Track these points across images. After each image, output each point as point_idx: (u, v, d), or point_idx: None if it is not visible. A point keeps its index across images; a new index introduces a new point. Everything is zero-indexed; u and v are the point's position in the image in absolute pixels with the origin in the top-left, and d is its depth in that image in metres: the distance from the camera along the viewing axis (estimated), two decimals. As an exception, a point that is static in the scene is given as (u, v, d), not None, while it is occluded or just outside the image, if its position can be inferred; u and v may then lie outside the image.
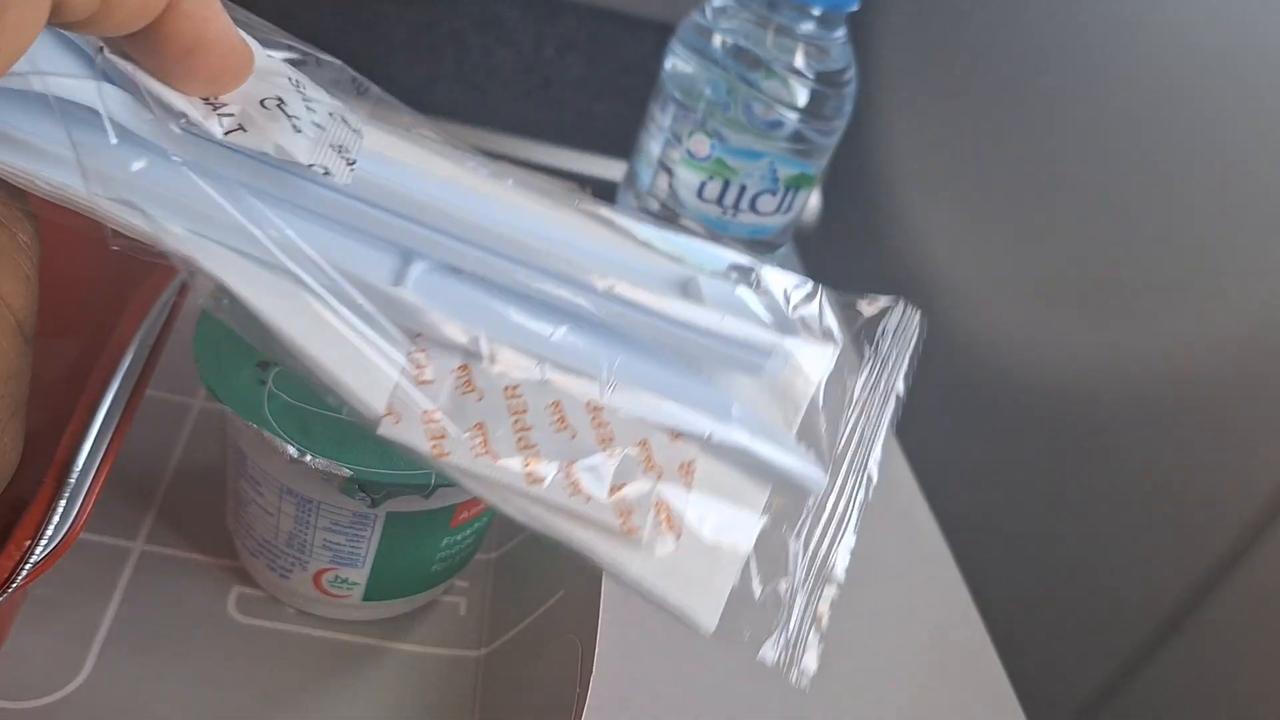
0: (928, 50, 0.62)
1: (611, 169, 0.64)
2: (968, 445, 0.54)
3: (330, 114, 0.19)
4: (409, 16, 0.59)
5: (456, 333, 0.18)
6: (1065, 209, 0.50)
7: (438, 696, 0.28)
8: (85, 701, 0.26)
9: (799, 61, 0.36)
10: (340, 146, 0.18)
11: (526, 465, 0.17)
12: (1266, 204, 0.40)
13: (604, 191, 0.41)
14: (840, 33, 0.36)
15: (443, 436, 0.17)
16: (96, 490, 0.21)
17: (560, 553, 0.17)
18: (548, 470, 0.17)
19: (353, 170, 0.18)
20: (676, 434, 0.18)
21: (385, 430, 0.17)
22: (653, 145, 0.39)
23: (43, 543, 0.21)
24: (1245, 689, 0.40)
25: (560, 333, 0.18)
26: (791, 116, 0.36)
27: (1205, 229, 0.43)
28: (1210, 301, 0.42)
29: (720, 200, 0.38)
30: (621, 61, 0.62)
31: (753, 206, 0.38)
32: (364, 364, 0.17)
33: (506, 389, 0.17)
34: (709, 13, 0.37)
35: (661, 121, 0.38)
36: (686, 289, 0.20)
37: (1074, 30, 0.52)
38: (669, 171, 0.38)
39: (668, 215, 0.39)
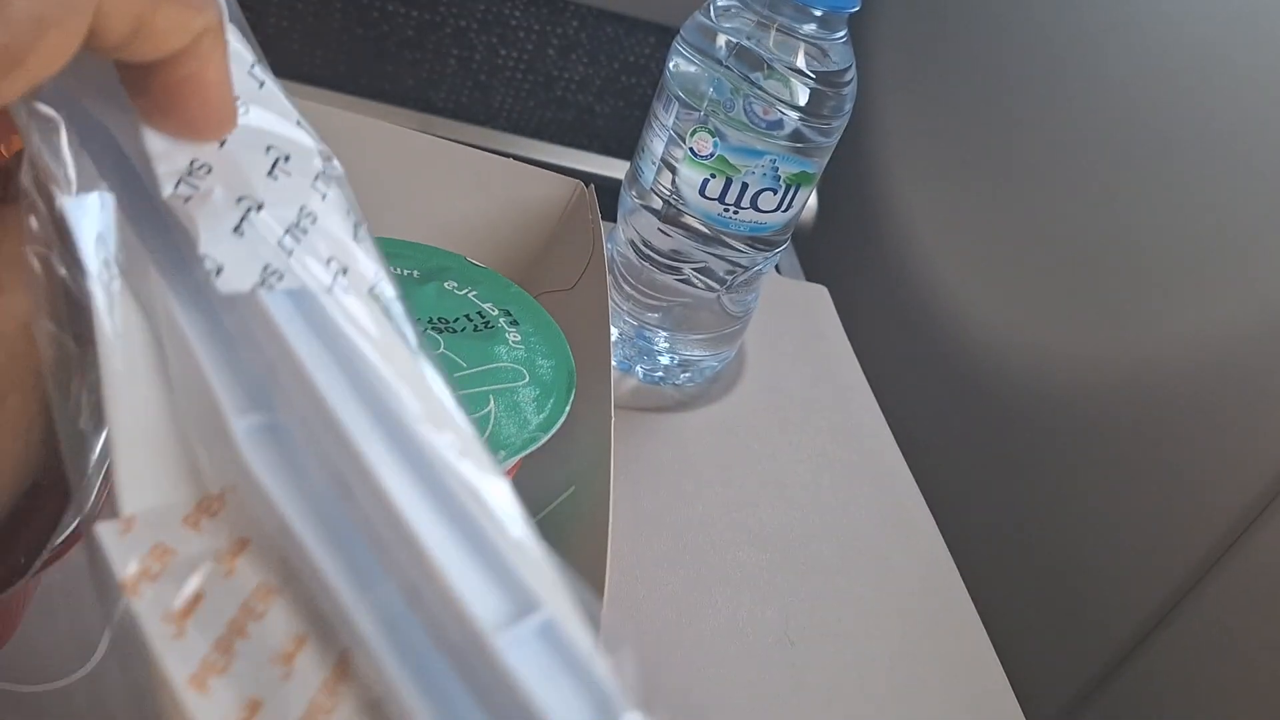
0: (923, 51, 0.63)
1: (612, 167, 0.65)
2: (963, 440, 0.55)
3: (316, 259, 0.17)
4: (414, 15, 0.60)
5: (261, 511, 0.15)
6: (1060, 207, 0.51)
7: None
8: (96, 685, 0.26)
9: (800, 62, 0.36)
10: (274, 271, 0.17)
11: (200, 670, 0.14)
12: (1260, 202, 0.41)
13: (606, 189, 0.42)
14: (841, 34, 0.37)
15: (150, 577, 0.14)
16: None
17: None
18: (220, 691, 0.14)
19: (261, 289, 0.16)
20: None
21: (104, 529, 0.14)
22: (656, 143, 0.40)
23: (59, 529, 0.21)
24: (1232, 680, 0.41)
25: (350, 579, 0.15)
26: (792, 116, 0.37)
27: (1199, 228, 0.44)
28: (1202, 299, 0.43)
29: (722, 197, 0.38)
30: (623, 62, 0.63)
31: (754, 204, 0.38)
32: (158, 457, 0.15)
33: (258, 589, 0.15)
34: (712, 13, 0.38)
35: (665, 120, 0.39)
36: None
37: (1068, 32, 0.52)
38: (672, 169, 0.39)
39: (671, 212, 0.40)
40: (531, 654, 0.15)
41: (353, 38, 0.61)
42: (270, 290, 0.17)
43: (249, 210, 0.17)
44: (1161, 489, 0.44)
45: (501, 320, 0.31)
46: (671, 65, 0.39)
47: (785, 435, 0.45)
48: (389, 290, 0.18)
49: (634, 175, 0.42)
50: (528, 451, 0.27)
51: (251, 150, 0.18)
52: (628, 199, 0.42)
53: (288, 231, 0.17)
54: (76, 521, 0.22)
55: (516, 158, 0.43)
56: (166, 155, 0.17)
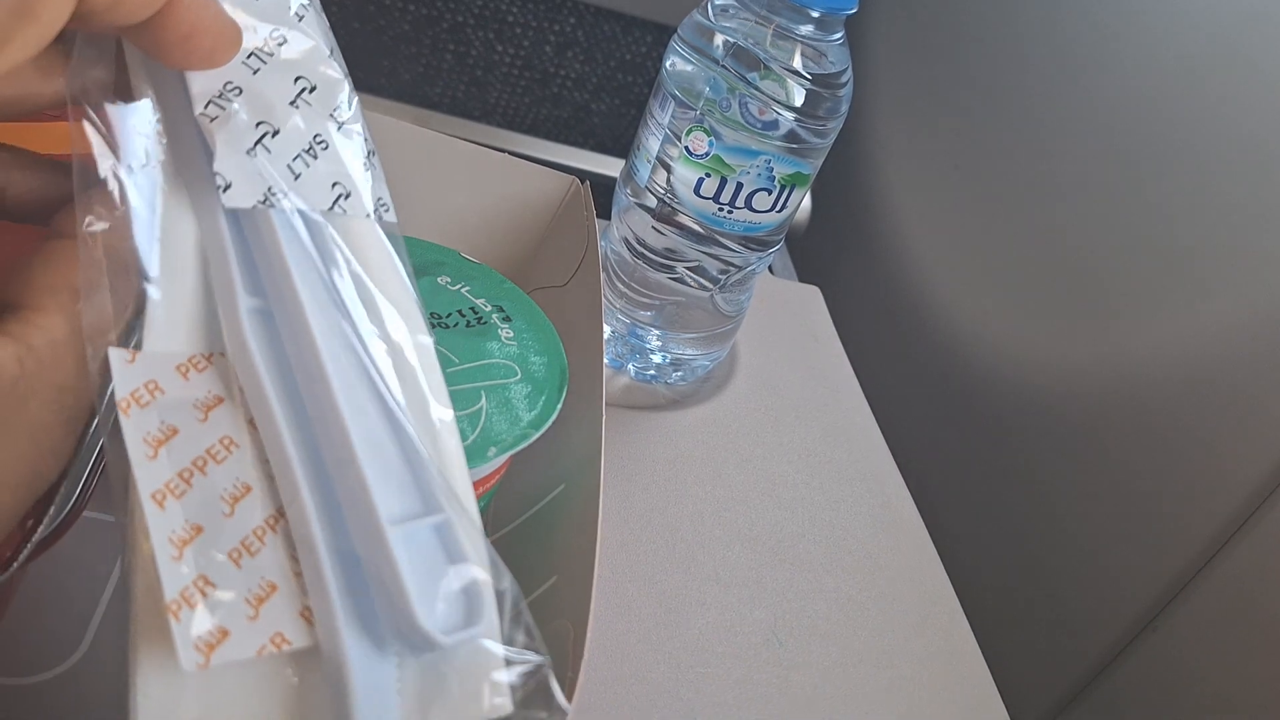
0: (918, 55, 0.63)
1: (608, 165, 0.65)
2: (952, 443, 0.55)
3: (323, 181, 0.20)
4: (412, 9, 0.60)
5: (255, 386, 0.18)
6: (1051, 212, 0.51)
7: None
8: (82, 677, 0.26)
9: (797, 63, 0.36)
10: (276, 191, 0.19)
11: (162, 489, 0.17)
12: (1246, 209, 0.41)
13: (601, 186, 0.42)
14: (838, 35, 0.37)
15: (140, 404, 0.17)
16: (100, 469, 0.21)
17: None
18: (174, 511, 0.17)
19: (262, 206, 0.19)
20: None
21: (115, 354, 0.17)
22: (651, 141, 0.40)
23: (45, 521, 0.21)
24: (1216, 685, 0.41)
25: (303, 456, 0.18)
26: (788, 116, 0.37)
27: (1186, 234, 0.44)
28: (1188, 306, 0.43)
29: (717, 197, 0.38)
30: (619, 60, 0.62)
31: (749, 204, 0.39)
32: (179, 313, 0.18)
33: (223, 439, 0.18)
34: (710, 12, 0.38)
35: (661, 118, 0.39)
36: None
37: (1060, 41, 0.52)
38: (667, 167, 0.39)
39: (665, 211, 0.40)
40: (421, 548, 0.18)
41: (349, 31, 0.60)
42: (272, 208, 0.19)
43: (265, 134, 0.19)
44: (1147, 494, 0.44)
45: (494, 316, 0.31)
46: (668, 64, 0.39)
47: (776, 435, 0.45)
48: (388, 215, 0.21)
49: (629, 173, 0.42)
50: (519, 449, 0.27)
51: (281, 78, 0.20)
52: (623, 196, 0.42)
53: (299, 156, 0.20)
54: (62, 516, 0.22)
55: (512, 154, 0.43)
56: (202, 77, 0.19)
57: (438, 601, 0.17)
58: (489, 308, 0.31)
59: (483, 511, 0.31)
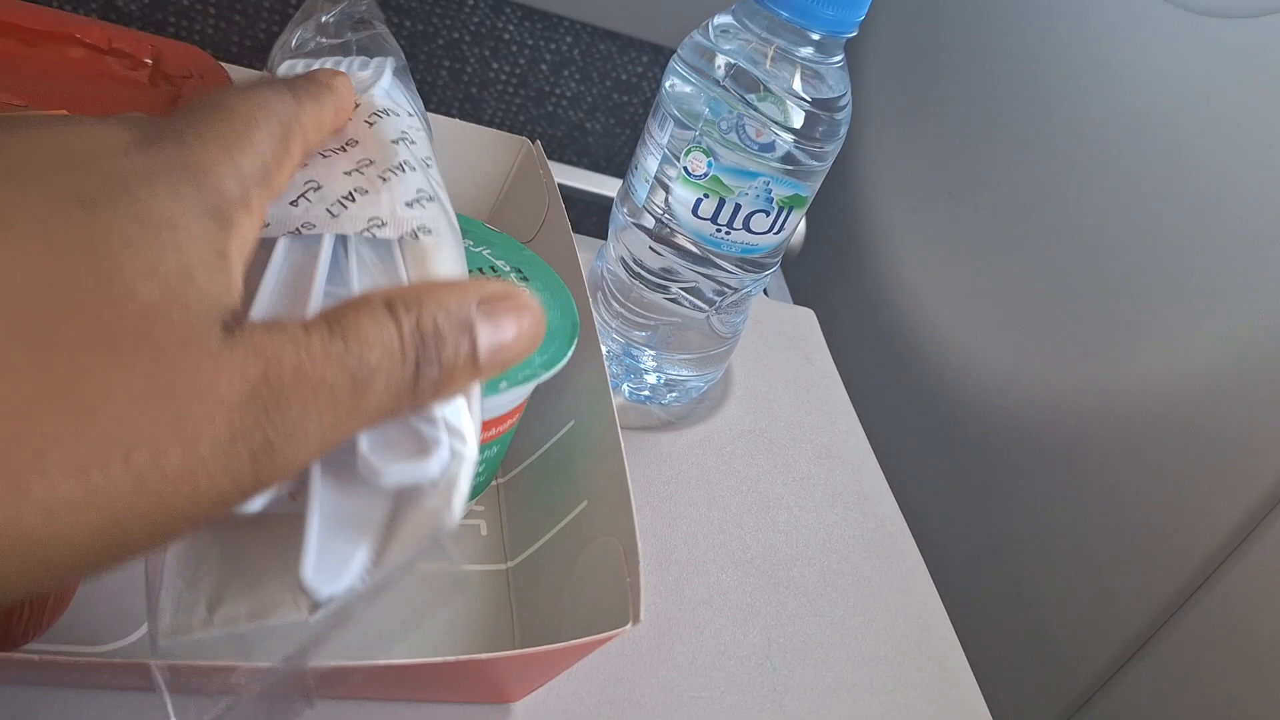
0: (912, 80, 0.64)
1: (603, 184, 0.65)
2: (944, 465, 0.55)
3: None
4: (407, 25, 0.60)
5: None
6: (1043, 238, 0.52)
7: (476, 606, 0.32)
8: (137, 652, 0.27)
9: (797, 85, 0.36)
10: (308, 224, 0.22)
11: None
12: (1237, 236, 0.42)
13: (596, 206, 0.42)
14: (838, 59, 0.37)
15: None
16: None
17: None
18: None
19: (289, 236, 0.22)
20: None
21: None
22: (650, 161, 0.40)
23: None
24: (1203, 712, 0.41)
25: None
26: (786, 138, 0.37)
27: (1177, 262, 0.44)
28: (1178, 334, 0.43)
29: (715, 218, 0.38)
30: (615, 80, 0.63)
31: (746, 225, 0.39)
32: None
33: None
34: (711, 33, 0.38)
35: (659, 138, 0.39)
36: None
37: (1055, 64, 0.53)
38: (665, 188, 0.39)
39: (663, 231, 0.40)
40: None
41: (344, 46, 0.60)
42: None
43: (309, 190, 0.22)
44: (1136, 521, 0.44)
45: (512, 276, 0.34)
46: (668, 84, 0.39)
47: (770, 457, 0.45)
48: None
49: (627, 192, 0.42)
50: (530, 385, 0.30)
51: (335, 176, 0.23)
52: (620, 216, 0.42)
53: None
54: None
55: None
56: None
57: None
58: (508, 268, 0.34)
59: (501, 453, 0.35)
